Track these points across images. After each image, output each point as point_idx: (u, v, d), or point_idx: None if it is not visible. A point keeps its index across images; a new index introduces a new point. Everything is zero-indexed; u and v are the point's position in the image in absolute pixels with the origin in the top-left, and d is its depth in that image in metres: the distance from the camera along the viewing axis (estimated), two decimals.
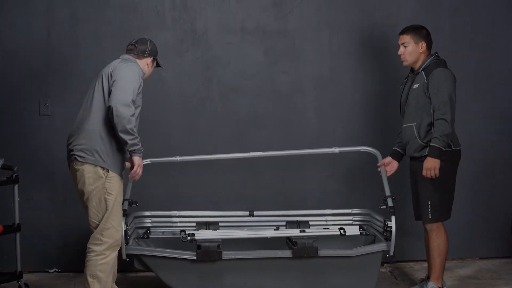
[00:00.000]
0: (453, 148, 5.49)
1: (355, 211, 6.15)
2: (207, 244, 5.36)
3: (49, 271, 6.42)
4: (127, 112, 4.81)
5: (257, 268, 5.42)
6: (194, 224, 5.96)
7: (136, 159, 4.98)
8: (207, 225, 5.91)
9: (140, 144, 4.97)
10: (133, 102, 4.88)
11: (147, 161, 5.70)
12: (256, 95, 6.57)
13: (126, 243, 5.39)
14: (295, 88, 6.61)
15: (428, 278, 5.77)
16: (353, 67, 6.60)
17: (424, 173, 5.42)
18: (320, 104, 6.64)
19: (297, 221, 6.04)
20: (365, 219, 6.10)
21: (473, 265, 6.67)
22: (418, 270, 6.44)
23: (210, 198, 6.52)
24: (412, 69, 5.70)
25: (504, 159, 6.82)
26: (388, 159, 5.83)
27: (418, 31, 5.63)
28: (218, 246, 5.36)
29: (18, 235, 5.91)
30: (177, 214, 6.06)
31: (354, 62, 6.61)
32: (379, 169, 5.81)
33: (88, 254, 4.96)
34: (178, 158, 5.91)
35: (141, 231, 5.98)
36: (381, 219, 5.69)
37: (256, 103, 6.59)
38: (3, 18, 6.32)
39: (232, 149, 6.51)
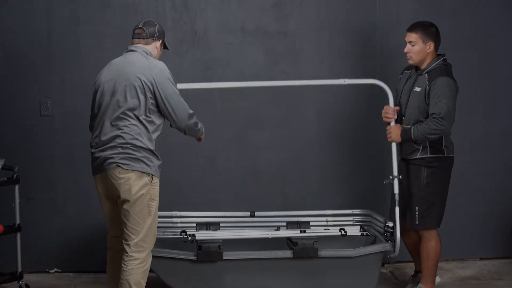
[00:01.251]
0: (445, 155, 5.45)
1: (355, 211, 6.15)
2: (207, 244, 5.36)
3: (50, 271, 6.42)
4: (193, 120, 5.06)
5: (258, 268, 5.42)
6: (194, 225, 5.97)
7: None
8: (207, 226, 5.92)
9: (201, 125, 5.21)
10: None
11: None
12: (256, 95, 6.57)
13: None
14: (295, 89, 6.61)
15: (415, 272, 5.84)
16: (353, 68, 6.59)
17: (387, 134, 5.45)
18: (320, 104, 6.63)
19: (297, 221, 6.04)
20: (365, 219, 6.10)
21: (473, 265, 6.67)
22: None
23: (210, 198, 6.52)
24: (416, 67, 5.57)
25: (504, 159, 6.82)
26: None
27: (427, 29, 5.46)
28: (219, 246, 5.37)
29: (18, 235, 5.91)
30: (177, 215, 6.07)
31: (354, 62, 6.60)
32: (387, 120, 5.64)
33: (130, 262, 4.78)
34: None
35: None
36: (381, 219, 5.69)
37: (256, 103, 6.59)
38: (3, 19, 6.32)
39: (232, 149, 6.53)
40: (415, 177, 5.46)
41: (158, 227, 5.96)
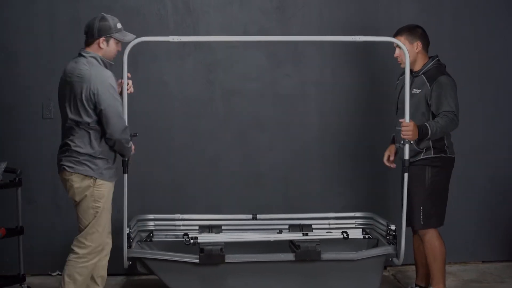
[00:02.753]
0: (448, 155, 5.47)
1: (358, 214, 6.16)
2: (210, 247, 5.36)
3: (52, 274, 6.41)
4: (126, 136, 5.02)
5: (260, 271, 5.42)
6: (197, 228, 5.98)
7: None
8: (210, 229, 5.93)
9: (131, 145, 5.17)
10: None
11: None
12: (259, 98, 6.57)
13: (129, 246, 5.40)
14: (297, 91, 6.62)
15: (416, 286, 5.81)
16: (356, 70, 6.60)
17: (402, 132, 5.29)
18: (322, 107, 6.64)
19: (300, 224, 6.04)
20: (368, 222, 6.11)
21: (476, 269, 6.66)
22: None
23: (212, 200, 6.52)
24: (411, 71, 5.53)
25: (507, 162, 6.81)
26: (388, 151, 5.78)
27: (413, 30, 5.52)
28: (221, 249, 5.36)
29: (21, 238, 5.93)
30: (180, 218, 6.07)
31: (357, 65, 6.60)
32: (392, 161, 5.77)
33: (70, 254, 5.04)
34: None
35: (144, 234, 5.99)
36: (384, 222, 5.69)
37: (259, 106, 6.60)
38: (6, 22, 6.34)
39: (234, 151, 6.53)
40: (419, 177, 5.44)
41: (161, 230, 6.00)
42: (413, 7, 6.64)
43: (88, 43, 5.05)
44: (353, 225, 6.15)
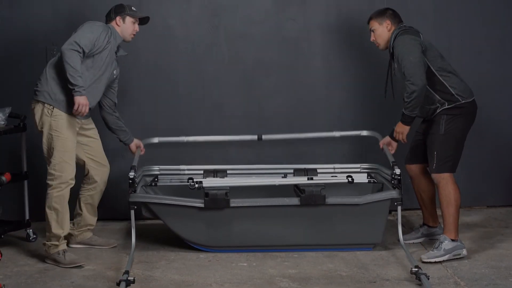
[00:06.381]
0: (462, 101, 5.40)
1: (364, 165, 6.16)
2: (214, 191, 5.37)
3: None
4: (68, 48, 5.19)
5: (265, 216, 5.43)
6: (201, 172, 5.97)
7: (76, 99, 5.22)
8: (214, 173, 5.92)
9: (79, 83, 5.21)
10: (81, 45, 5.21)
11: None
12: (264, 42, 6.52)
13: (134, 191, 5.41)
14: (302, 35, 6.56)
15: (424, 224, 5.82)
16: (362, 13, 6.49)
17: (394, 135, 5.54)
18: (327, 51, 6.59)
19: (304, 168, 6.04)
20: (373, 167, 6.11)
21: (480, 213, 6.68)
22: None
23: (217, 147, 6.51)
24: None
25: None
26: (387, 139, 5.75)
27: (381, 12, 5.60)
28: (226, 193, 5.37)
29: (26, 183, 5.94)
30: (185, 168, 6.08)
31: (363, 8, 6.50)
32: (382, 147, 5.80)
33: (47, 188, 5.41)
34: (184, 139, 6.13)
35: (148, 179, 6.00)
36: (389, 171, 5.68)
37: (264, 50, 6.56)
38: (8, 24, 6.39)
39: (239, 95, 6.51)
40: (435, 124, 5.42)
41: (165, 174, 6.01)
42: None
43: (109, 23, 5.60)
44: (358, 170, 6.14)
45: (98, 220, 5.90)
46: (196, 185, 5.58)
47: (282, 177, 5.97)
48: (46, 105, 5.31)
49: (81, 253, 5.61)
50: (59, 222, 5.39)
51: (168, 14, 6.42)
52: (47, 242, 5.42)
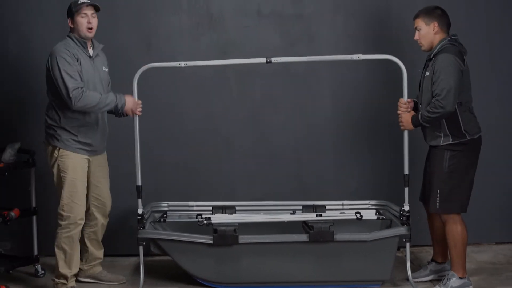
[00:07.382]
0: (468, 138, 5.36)
1: (372, 202, 6.14)
2: (223, 228, 5.38)
3: None
4: (74, 99, 5.18)
5: (274, 252, 5.43)
6: (210, 208, 5.98)
7: (125, 108, 5.43)
8: (223, 209, 5.93)
9: (112, 97, 5.34)
10: (75, 84, 5.20)
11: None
12: (272, 78, 6.55)
13: (143, 227, 5.41)
14: (310, 69, 6.59)
15: (432, 261, 5.80)
16: (369, 51, 6.54)
17: (400, 118, 5.51)
18: (335, 87, 6.61)
19: (313, 205, 6.04)
20: (381, 203, 6.10)
21: (489, 250, 6.64)
22: None
23: (226, 182, 6.53)
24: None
25: None
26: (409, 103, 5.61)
27: (430, 12, 5.43)
28: (235, 230, 5.38)
29: (34, 218, 5.95)
30: (194, 205, 6.08)
31: (370, 45, 6.55)
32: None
33: (57, 227, 5.47)
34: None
35: (157, 215, 6.00)
36: (397, 207, 5.67)
37: (272, 86, 6.58)
38: (16, 29, 6.42)
39: (247, 131, 6.52)
40: (437, 160, 5.38)
41: (174, 210, 6.02)
42: None
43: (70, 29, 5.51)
44: (367, 206, 6.14)
45: (107, 255, 5.90)
46: (205, 222, 5.58)
47: (291, 213, 5.97)
48: (51, 145, 5.41)
49: None
50: (67, 262, 5.43)
51: (177, 51, 6.45)
52: (55, 279, 5.42)
